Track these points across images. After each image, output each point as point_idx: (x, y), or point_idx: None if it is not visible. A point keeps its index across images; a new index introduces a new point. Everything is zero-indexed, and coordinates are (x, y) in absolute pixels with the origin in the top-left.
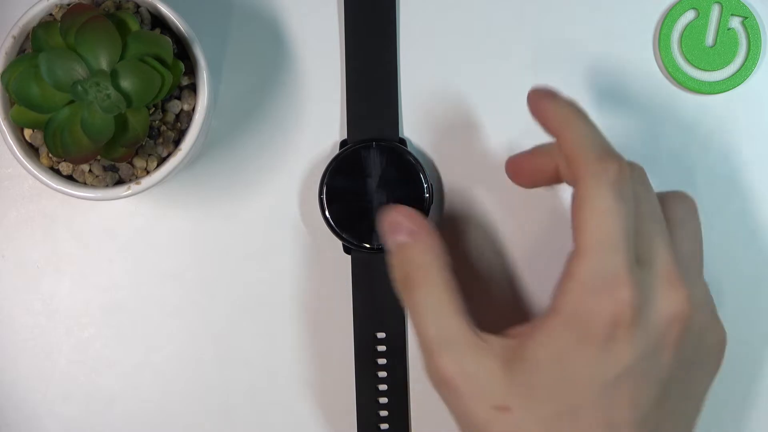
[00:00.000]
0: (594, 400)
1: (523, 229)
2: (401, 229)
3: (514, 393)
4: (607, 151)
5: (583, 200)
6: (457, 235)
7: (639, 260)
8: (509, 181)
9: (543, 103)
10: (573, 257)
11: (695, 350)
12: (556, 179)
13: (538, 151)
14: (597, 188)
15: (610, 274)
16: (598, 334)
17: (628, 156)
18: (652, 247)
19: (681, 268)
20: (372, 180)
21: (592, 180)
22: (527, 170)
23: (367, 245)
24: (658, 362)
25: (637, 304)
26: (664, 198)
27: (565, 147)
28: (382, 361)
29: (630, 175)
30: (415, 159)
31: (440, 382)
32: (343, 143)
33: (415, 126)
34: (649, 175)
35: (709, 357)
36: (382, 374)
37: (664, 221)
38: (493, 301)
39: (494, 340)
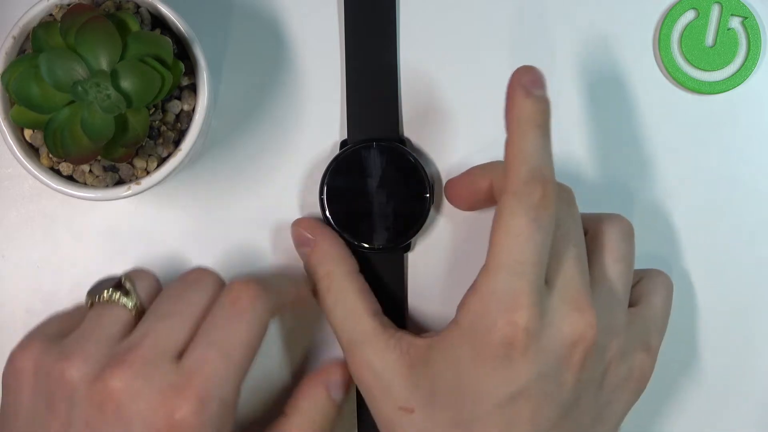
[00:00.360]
0: (489, 415)
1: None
2: (303, 240)
3: (418, 395)
4: (539, 174)
5: (501, 217)
6: (457, 235)
7: (549, 282)
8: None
9: (516, 97)
10: (482, 271)
11: (606, 375)
12: (491, 199)
13: (473, 171)
14: (516, 208)
15: (510, 296)
16: (492, 352)
17: (626, 156)
18: (564, 270)
19: (591, 294)
20: (372, 180)
21: (513, 199)
22: (464, 193)
23: (368, 245)
24: (559, 384)
25: (533, 327)
26: (600, 222)
27: (507, 153)
28: None
29: (551, 203)
30: (416, 159)
31: (356, 381)
32: (343, 143)
33: (415, 126)
34: (648, 176)
35: (626, 383)
36: None
37: (584, 245)
38: None
39: (406, 339)
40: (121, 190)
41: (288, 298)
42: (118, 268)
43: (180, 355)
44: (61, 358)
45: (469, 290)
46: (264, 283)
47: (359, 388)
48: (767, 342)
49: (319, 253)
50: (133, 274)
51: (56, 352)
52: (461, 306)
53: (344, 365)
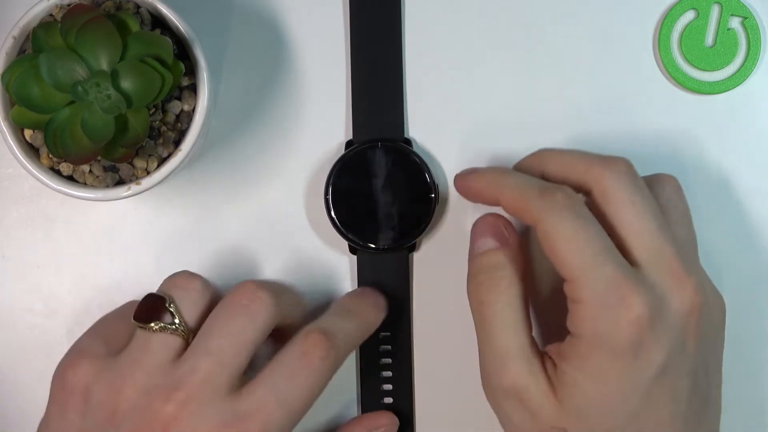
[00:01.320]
0: (639, 408)
1: (530, 229)
2: (489, 235)
3: (566, 415)
4: (545, 185)
5: (548, 235)
6: (462, 235)
7: (640, 261)
8: None
9: (467, 180)
10: (568, 286)
11: (710, 329)
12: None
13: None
14: (554, 219)
15: (611, 287)
16: (625, 346)
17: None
18: (653, 245)
19: (683, 258)
20: (378, 180)
21: (545, 215)
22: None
23: (373, 245)
24: (686, 355)
25: (650, 304)
26: (649, 183)
27: (508, 205)
28: (386, 360)
29: (573, 195)
30: (421, 159)
31: (505, 392)
32: (348, 143)
33: (420, 126)
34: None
35: (719, 329)
36: (387, 374)
37: (661, 215)
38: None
39: (541, 358)
40: (121, 191)
41: (351, 350)
42: (118, 268)
43: (234, 386)
44: (112, 386)
45: (570, 306)
46: (336, 337)
47: (502, 398)
48: (766, 341)
49: (511, 252)
50: (177, 293)
51: (106, 378)
52: (573, 321)
53: (391, 415)
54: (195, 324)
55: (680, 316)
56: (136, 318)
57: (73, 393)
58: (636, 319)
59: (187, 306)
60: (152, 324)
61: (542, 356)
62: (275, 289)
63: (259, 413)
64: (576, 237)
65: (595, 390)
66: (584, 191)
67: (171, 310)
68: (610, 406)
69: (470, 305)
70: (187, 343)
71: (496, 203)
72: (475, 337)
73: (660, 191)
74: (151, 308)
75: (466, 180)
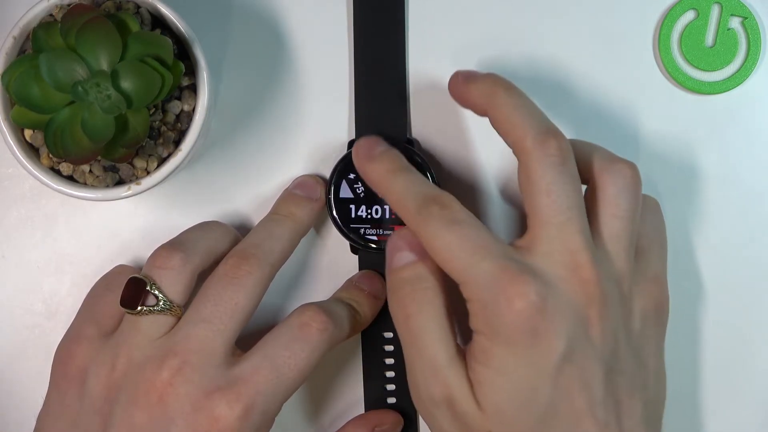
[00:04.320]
0: (552, 398)
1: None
2: (406, 248)
3: (487, 417)
4: (423, 198)
5: (430, 249)
6: None
7: (540, 250)
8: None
9: (463, 86)
10: (461, 288)
11: (628, 319)
12: (485, 116)
13: (475, 86)
14: (431, 232)
15: (492, 280)
16: (519, 335)
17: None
18: (558, 235)
19: (590, 251)
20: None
21: (423, 230)
22: (462, 97)
23: (375, 246)
24: (591, 342)
25: (535, 292)
26: (603, 167)
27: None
28: (389, 361)
29: (568, 149)
30: (423, 160)
31: (436, 403)
32: (351, 143)
33: (423, 127)
34: (648, 176)
35: (648, 319)
36: (390, 374)
37: (578, 207)
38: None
39: (464, 364)
40: (121, 191)
41: (347, 335)
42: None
43: (228, 354)
44: (107, 365)
45: (467, 306)
46: (333, 315)
47: (434, 409)
48: (766, 341)
49: (431, 264)
50: (157, 273)
51: (101, 359)
52: (471, 319)
53: (396, 414)
54: (181, 298)
55: (576, 304)
56: (122, 304)
57: (73, 379)
58: (522, 309)
59: (169, 284)
60: (138, 308)
61: (465, 362)
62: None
63: (252, 379)
64: (452, 243)
65: (503, 384)
66: (515, 155)
67: (154, 292)
68: (522, 399)
69: (394, 319)
70: (177, 318)
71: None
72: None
73: (610, 180)
74: (134, 293)
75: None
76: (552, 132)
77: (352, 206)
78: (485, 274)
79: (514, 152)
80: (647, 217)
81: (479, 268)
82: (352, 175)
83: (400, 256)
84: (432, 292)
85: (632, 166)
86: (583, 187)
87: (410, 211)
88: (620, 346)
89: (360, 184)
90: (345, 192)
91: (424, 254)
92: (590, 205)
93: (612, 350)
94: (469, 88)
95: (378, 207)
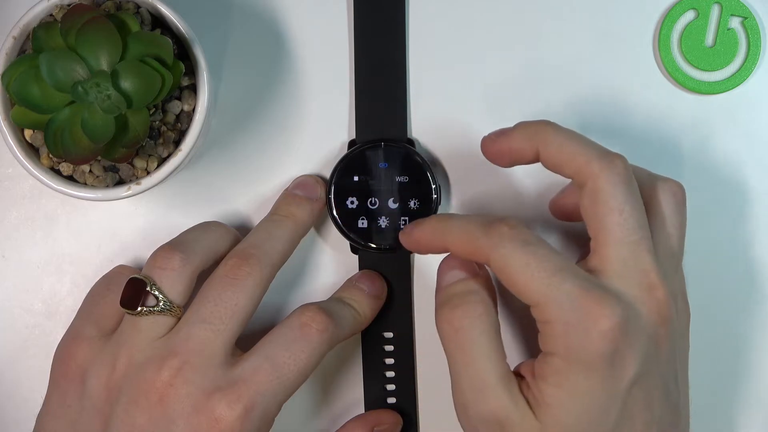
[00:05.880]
0: (618, 418)
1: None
2: (458, 267)
3: None
4: (487, 222)
5: (502, 270)
6: None
7: (613, 269)
8: (519, 183)
9: (412, 235)
10: (534, 310)
11: (678, 338)
12: (534, 161)
13: (515, 134)
14: (503, 253)
15: (576, 302)
16: (599, 359)
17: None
18: (630, 255)
19: (659, 269)
20: (380, 180)
21: (494, 252)
22: (503, 153)
23: (375, 245)
24: (659, 361)
25: (619, 314)
26: (654, 186)
27: (457, 251)
28: (389, 360)
29: (629, 167)
30: (424, 160)
31: (486, 422)
32: (351, 143)
33: (423, 127)
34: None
35: (685, 338)
36: (390, 374)
37: (645, 225)
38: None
39: (523, 382)
40: (122, 191)
41: (347, 335)
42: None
43: (229, 354)
44: (107, 366)
45: (540, 327)
46: (333, 315)
47: (484, 427)
48: (766, 341)
49: (483, 281)
50: (157, 273)
51: (100, 359)
52: (544, 340)
53: (395, 414)
54: (181, 299)
55: (651, 324)
56: (122, 305)
57: (73, 379)
58: (607, 331)
59: (169, 284)
60: (138, 309)
61: (519, 380)
62: (259, 256)
63: (252, 379)
64: (528, 264)
65: (575, 405)
66: (578, 182)
67: (154, 293)
68: (591, 420)
69: (441, 334)
70: (177, 319)
71: (445, 251)
72: (529, 329)
73: (663, 198)
74: (134, 294)
75: (411, 235)
76: (614, 153)
77: (353, 206)
78: (567, 295)
79: (577, 181)
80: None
81: (561, 289)
82: (352, 175)
83: (452, 275)
84: (483, 307)
85: (681, 185)
86: None
87: (477, 237)
88: (675, 365)
89: (360, 184)
90: (345, 192)
91: (475, 272)
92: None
93: (671, 369)
94: (509, 139)
95: (378, 207)
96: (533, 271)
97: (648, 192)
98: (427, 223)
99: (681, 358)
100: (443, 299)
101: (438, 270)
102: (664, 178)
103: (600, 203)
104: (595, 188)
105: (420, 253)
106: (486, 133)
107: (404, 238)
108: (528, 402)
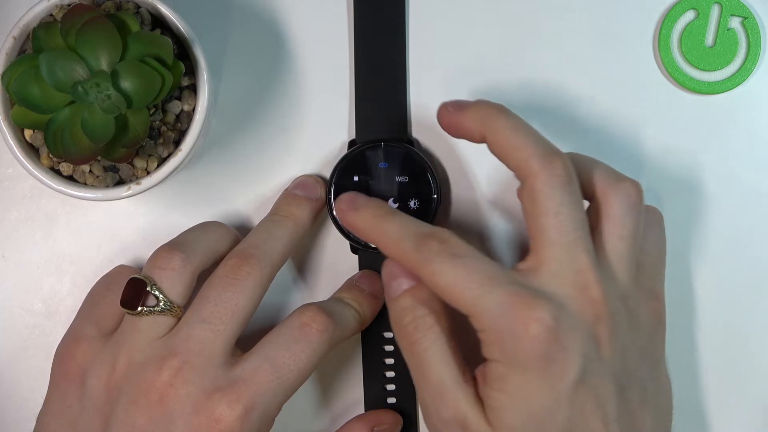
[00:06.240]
0: (568, 419)
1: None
2: (402, 275)
3: None
4: (420, 235)
5: (434, 285)
6: (465, 237)
7: (547, 270)
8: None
9: (456, 115)
10: (470, 320)
11: (632, 334)
12: (482, 142)
13: (468, 113)
14: (432, 269)
15: (505, 310)
16: (535, 361)
17: (627, 156)
18: (565, 256)
19: (596, 270)
20: (380, 180)
21: (424, 268)
22: (454, 126)
23: (374, 245)
24: (603, 360)
25: (549, 316)
26: (609, 185)
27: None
28: (389, 361)
29: (572, 169)
30: (424, 160)
31: (446, 424)
32: (351, 143)
33: (424, 127)
34: (648, 175)
35: (649, 334)
36: (390, 374)
37: (583, 225)
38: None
39: (473, 386)
40: (122, 191)
41: (347, 335)
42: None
43: (229, 354)
44: (107, 366)
45: (478, 335)
46: (333, 315)
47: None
48: (766, 342)
49: (426, 290)
50: (157, 273)
51: (101, 359)
52: (483, 347)
53: (395, 414)
54: (181, 299)
55: (586, 323)
56: (122, 305)
57: (73, 379)
58: (537, 334)
59: (169, 284)
60: (138, 309)
61: (474, 382)
62: (259, 256)
63: (252, 380)
64: (458, 277)
65: (519, 408)
66: (519, 178)
67: (154, 293)
68: (538, 422)
69: (399, 345)
70: (177, 319)
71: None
72: (476, 336)
73: (617, 200)
74: (134, 294)
75: (345, 215)
76: (556, 152)
77: None
78: (497, 303)
79: (518, 175)
80: (649, 231)
81: (490, 298)
82: (352, 175)
83: (397, 284)
84: (432, 318)
85: (637, 186)
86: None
87: (408, 251)
88: (629, 362)
89: (360, 184)
90: (345, 191)
91: (419, 279)
92: (593, 222)
93: (622, 367)
94: (462, 115)
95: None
96: (463, 284)
97: (602, 191)
98: (363, 214)
99: (645, 355)
100: (395, 314)
101: (383, 275)
102: (621, 177)
103: (536, 204)
104: (533, 188)
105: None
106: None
107: (338, 211)
108: (480, 402)
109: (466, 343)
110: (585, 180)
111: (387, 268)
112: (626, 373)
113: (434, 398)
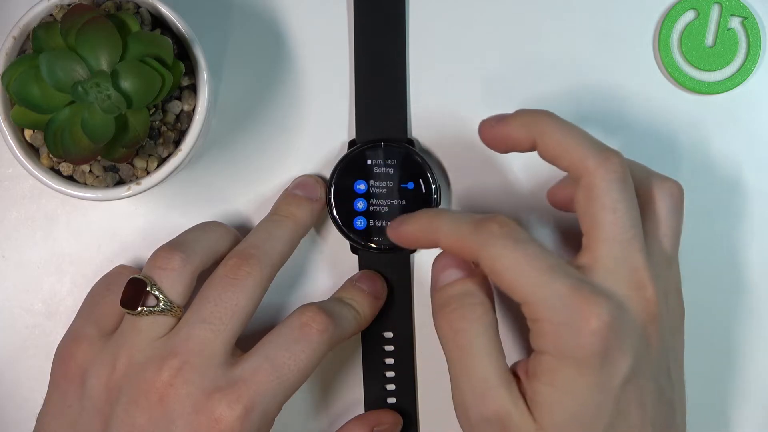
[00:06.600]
0: (612, 417)
1: (532, 232)
2: (452, 266)
3: None
4: (478, 219)
5: (492, 268)
6: None
7: (603, 267)
8: (518, 183)
9: (400, 230)
10: (525, 308)
11: (669, 336)
12: (530, 150)
13: (514, 121)
14: (493, 251)
15: (566, 301)
16: (591, 356)
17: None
18: (621, 254)
19: (649, 269)
20: (380, 180)
21: (484, 249)
22: (500, 138)
23: (374, 246)
24: (650, 359)
25: (609, 312)
26: (652, 185)
27: (447, 247)
28: (389, 361)
29: (626, 166)
30: (423, 160)
31: (488, 422)
32: (351, 143)
33: (423, 127)
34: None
35: (678, 336)
36: (390, 374)
37: (638, 223)
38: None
39: (518, 383)
40: (122, 191)
41: (347, 335)
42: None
43: (229, 354)
44: (107, 366)
45: (530, 325)
46: (333, 315)
47: (484, 426)
48: (766, 342)
49: (480, 280)
50: (157, 273)
51: (101, 359)
52: (535, 338)
53: (395, 414)
54: (181, 299)
55: (640, 322)
56: (122, 305)
57: (73, 379)
58: (597, 329)
59: (169, 284)
60: (138, 309)
61: (517, 380)
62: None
63: (252, 380)
64: (519, 262)
65: (568, 404)
66: (573, 177)
67: (154, 293)
68: (585, 418)
69: (440, 335)
70: (177, 319)
71: (434, 246)
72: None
73: (660, 199)
74: (134, 294)
75: (398, 230)
76: (611, 150)
77: (352, 206)
78: (557, 294)
79: (572, 175)
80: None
81: (550, 288)
82: (352, 175)
83: (447, 274)
84: (482, 308)
85: (679, 186)
86: None
87: (466, 235)
88: (667, 362)
89: (360, 184)
90: (345, 192)
91: (471, 271)
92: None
93: (663, 367)
94: (507, 126)
95: (378, 206)
96: (523, 270)
97: (645, 191)
98: (416, 219)
99: (674, 356)
100: (441, 302)
101: (432, 268)
102: (663, 177)
103: (594, 200)
104: (590, 185)
105: (408, 247)
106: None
107: (392, 233)
108: (525, 401)
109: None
110: (635, 181)
111: (438, 262)
112: (665, 372)
113: (476, 394)
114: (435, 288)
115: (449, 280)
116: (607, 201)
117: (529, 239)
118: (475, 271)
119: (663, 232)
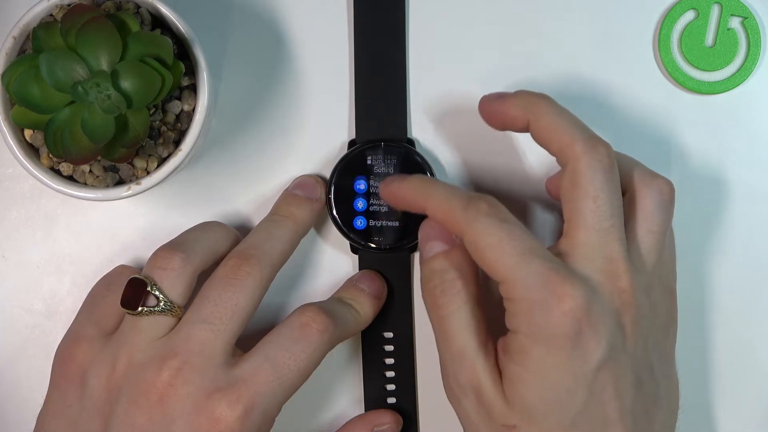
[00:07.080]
0: (585, 403)
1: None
2: (436, 237)
3: (515, 412)
4: (470, 197)
5: (475, 245)
6: None
7: (580, 253)
8: (518, 183)
9: (499, 104)
10: (501, 287)
11: (652, 331)
12: (525, 130)
13: (513, 100)
14: (478, 228)
15: (541, 281)
16: (562, 338)
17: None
18: (598, 242)
19: (626, 260)
20: (380, 180)
21: (469, 226)
22: (497, 115)
23: (374, 245)
24: (626, 350)
25: (583, 296)
26: (643, 180)
27: (435, 216)
28: (389, 361)
29: (614, 158)
30: (423, 160)
31: (463, 389)
32: (351, 143)
33: (423, 127)
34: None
35: (665, 329)
36: (390, 374)
37: (619, 213)
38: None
39: (497, 354)
40: (122, 191)
41: (347, 335)
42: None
43: (229, 355)
44: (107, 366)
45: (506, 304)
46: (334, 315)
47: (457, 396)
48: (766, 342)
49: (461, 252)
50: (157, 273)
51: (101, 359)
52: (509, 318)
53: (395, 414)
54: (182, 299)
55: (614, 311)
56: (122, 305)
57: (73, 379)
58: (569, 311)
59: (170, 284)
60: (138, 309)
61: (495, 353)
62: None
63: (253, 380)
64: (501, 241)
65: (537, 384)
66: (561, 162)
67: (154, 293)
68: (554, 401)
69: (426, 308)
70: (177, 319)
71: (422, 212)
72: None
73: (650, 194)
74: (134, 294)
75: (390, 187)
76: (600, 139)
77: (352, 206)
78: (534, 274)
79: (560, 159)
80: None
81: (527, 268)
82: (352, 175)
83: (430, 246)
84: (461, 283)
85: (670, 184)
86: None
87: (455, 208)
88: (649, 356)
89: (360, 184)
90: (345, 191)
91: (453, 243)
92: (626, 215)
93: (642, 360)
94: (505, 103)
95: (378, 207)
96: (504, 248)
97: (636, 185)
98: (410, 181)
99: (660, 355)
100: (424, 276)
101: (419, 235)
102: (654, 174)
103: (577, 187)
104: (575, 171)
105: (395, 207)
106: (487, 136)
107: (384, 190)
108: (498, 372)
109: (493, 315)
110: (623, 174)
111: (423, 229)
112: (645, 366)
113: (453, 362)
114: (421, 259)
115: (432, 252)
116: (590, 189)
117: (514, 221)
118: (456, 243)
119: (648, 227)
